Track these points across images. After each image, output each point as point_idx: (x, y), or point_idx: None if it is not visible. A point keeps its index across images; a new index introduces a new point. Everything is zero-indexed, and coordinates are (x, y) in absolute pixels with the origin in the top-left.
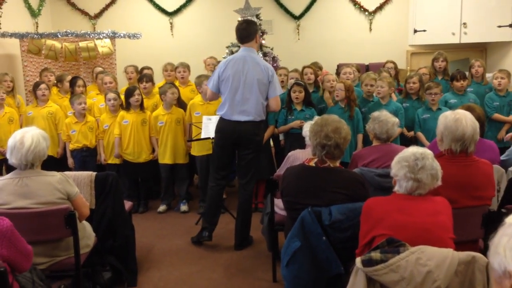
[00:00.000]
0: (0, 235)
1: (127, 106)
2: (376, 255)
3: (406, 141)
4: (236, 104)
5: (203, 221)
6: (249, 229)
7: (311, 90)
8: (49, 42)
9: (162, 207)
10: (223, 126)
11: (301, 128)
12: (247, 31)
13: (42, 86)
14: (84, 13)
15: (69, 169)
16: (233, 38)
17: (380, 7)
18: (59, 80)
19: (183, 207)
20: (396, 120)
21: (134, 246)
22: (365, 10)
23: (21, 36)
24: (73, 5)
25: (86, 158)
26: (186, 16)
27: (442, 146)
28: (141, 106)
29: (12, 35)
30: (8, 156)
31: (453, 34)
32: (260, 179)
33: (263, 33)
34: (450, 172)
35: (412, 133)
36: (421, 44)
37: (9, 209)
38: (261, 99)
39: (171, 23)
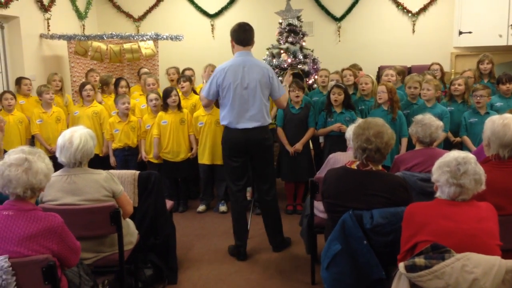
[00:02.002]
0: (52, 231)
1: (165, 107)
2: (420, 261)
3: (450, 146)
4: (242, 111)
5: (235, 239)
6: (282, 231)
7: (350, 92)
8: (95, 44)
9: (201, 207)
10: (231, 135)
11: (340, 131)
12: (251, 33)
13: (87, 86)
14: (128, 15)
15: (112, 168)
16: (273, 40)
17: (424, 8)
18: (105, 83)
19: (222, 208)
20: (440, 123)
21: (175, 245)
22: (408, 11)
23: (68, 38)
24: (118, 8)
25: (128, 157)
26: (227, 18)
27: (489, 151)
28: (179, 106)
29: (60, 37)
30: (57, 154)
31: (500, 36)
32: (299, 181)
33: (304, 35)
34: (497, 178)
35: (458, 138)
36: (466, 46)
37: (57, 205)
38: (264, 101)
39: (212, 25)
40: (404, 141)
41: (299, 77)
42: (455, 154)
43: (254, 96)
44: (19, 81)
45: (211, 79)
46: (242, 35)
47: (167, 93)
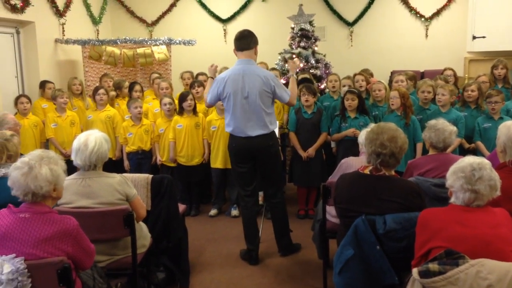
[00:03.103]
0: (67, 234)
1: (180, 111)
2: (434, 266)
3: (466, 152)
4: (244, 120)
5: (247, 243)
6: (289, 235)
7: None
8: (109, 48)
9: (213, 211)
10: (236, 143)
11: (354, 136)
12: (248, 39)
13: (101, 91)
14: (142, 20)
15: (125, 171)
16: (286, 44)
17: (437, 13)
18: (118, 87)
19: (234, 212)
20: (454, 128)
21: (187, 248)
22: (422, 16)
23: (83, 43)
24: (131, 13)
25: (141, 160)
26: (240, 23)
27: (504, 157)
28: (194, 110)
29: (75, 41)
30: (73, 157)
31: None
32: (311, 186)
33: (316, 39)
34: None
35: (472, 145)
36: (480, 51)
37: (72, 208)
38: (266, 110)
39: (224, 30)
40: (419, 146)
41: (309, 81)
42: (470, 159)
43: (255, 105)
44: (43, 84)
45: (212, 87)
46: (238, 41)
47: (183, 97)
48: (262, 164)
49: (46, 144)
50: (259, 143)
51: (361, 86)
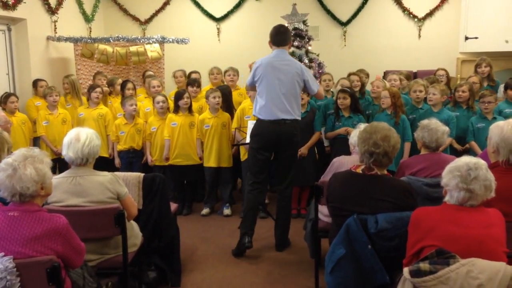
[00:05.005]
0: (56, 232)
1: (176, 109)
2: (424, 266)
3: (457, 152)
4: (276, 103)
5: (242, 227)
6: (288, 232)
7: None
8: (102, 46)
9: (205, 210)
10: (262, 128)
11: (347, 134)
12: (286, 35)
13: (98, 89)
14: (135, 18)
15: (117, 169)
16: None
17: (430, 13)
18: (110, 84)
19: (226, 211)
20: (447, 129)
21: (179, 247)
22: (415, 16)
23: (75, 41)
24: (124, 11)
25: (132, 159)
26: (233, 22)
27: (496, 157)
28: (190, 109)
29: (67, 39)
30: (64, 152)
31: (507, 41)
32: (304, 185)
33: (309, 39)
34: (504, 185)
35: (467, 145)
36: (472, 51)
37: (62, 206)
38: (298, 95)
39: (218, 29)
40: (407, 145)
41: None
42: (466, 159)
43: (287, 88)
44: (35, 83)
45: (252, 70)
46: (276, 36)
47: (179, 95)
48: (283, 151)
49: (37, 141)
50: (286, 130)
51: (355, 86)
